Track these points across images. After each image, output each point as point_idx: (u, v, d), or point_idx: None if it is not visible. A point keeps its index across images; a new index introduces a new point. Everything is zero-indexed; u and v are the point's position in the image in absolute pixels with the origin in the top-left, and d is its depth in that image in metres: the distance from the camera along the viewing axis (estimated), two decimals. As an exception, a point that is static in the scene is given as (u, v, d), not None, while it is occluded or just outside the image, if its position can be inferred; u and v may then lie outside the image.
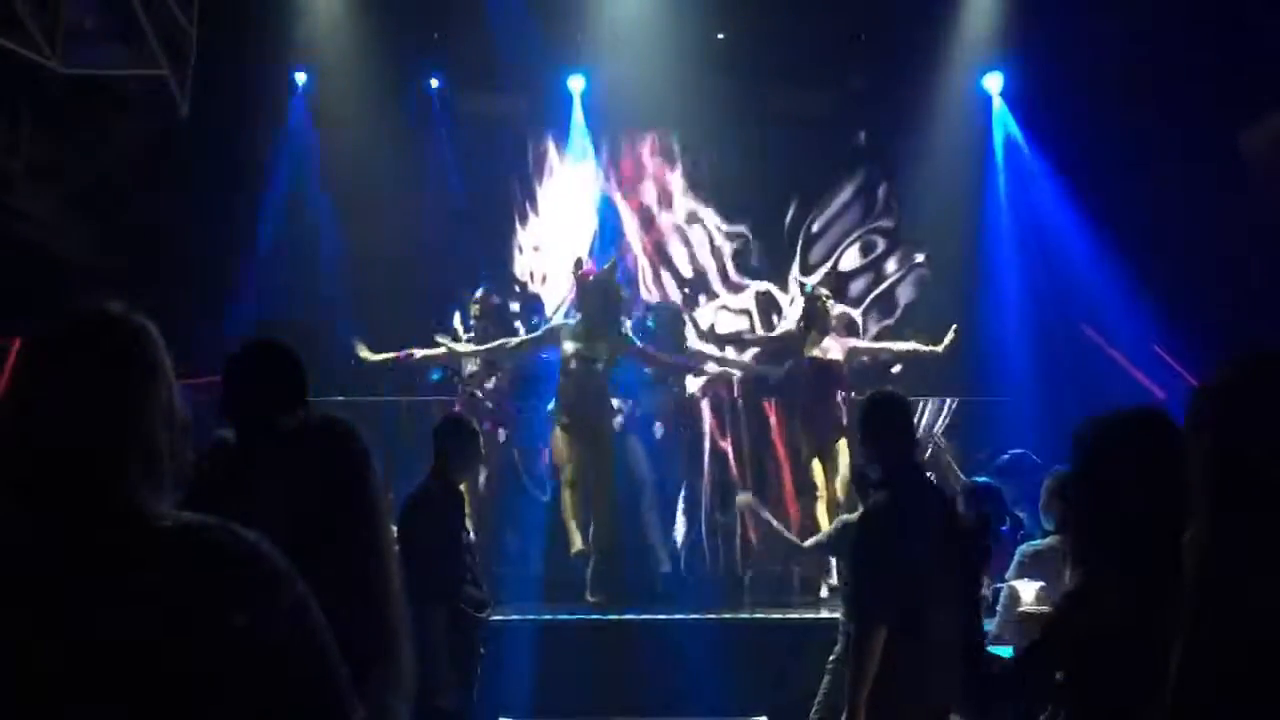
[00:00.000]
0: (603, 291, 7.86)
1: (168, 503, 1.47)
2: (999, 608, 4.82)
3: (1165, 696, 1.68)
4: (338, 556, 1.59)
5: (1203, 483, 1.71)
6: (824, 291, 8.42)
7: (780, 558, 7.89)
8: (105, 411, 1.44)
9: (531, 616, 7.31)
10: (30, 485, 1.42)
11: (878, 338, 9.73)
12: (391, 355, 8.25)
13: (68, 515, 1.41)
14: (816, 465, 7.85)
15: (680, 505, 8.62)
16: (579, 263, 8.20)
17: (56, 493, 1.41)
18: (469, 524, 5.28)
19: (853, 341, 8.54)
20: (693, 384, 8.94)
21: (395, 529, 4.79)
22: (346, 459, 2.09)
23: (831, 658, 4.14)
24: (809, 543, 5.39)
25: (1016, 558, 4.78)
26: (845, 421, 7.83)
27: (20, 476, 1.43)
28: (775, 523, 6.20)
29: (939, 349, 8.11)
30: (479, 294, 8.64)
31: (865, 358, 8.53)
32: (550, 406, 8.05)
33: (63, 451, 1.42)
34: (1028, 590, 4.98)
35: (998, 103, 10.10)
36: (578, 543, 7.68)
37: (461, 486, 5.18)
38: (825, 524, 7.16)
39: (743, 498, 7.35)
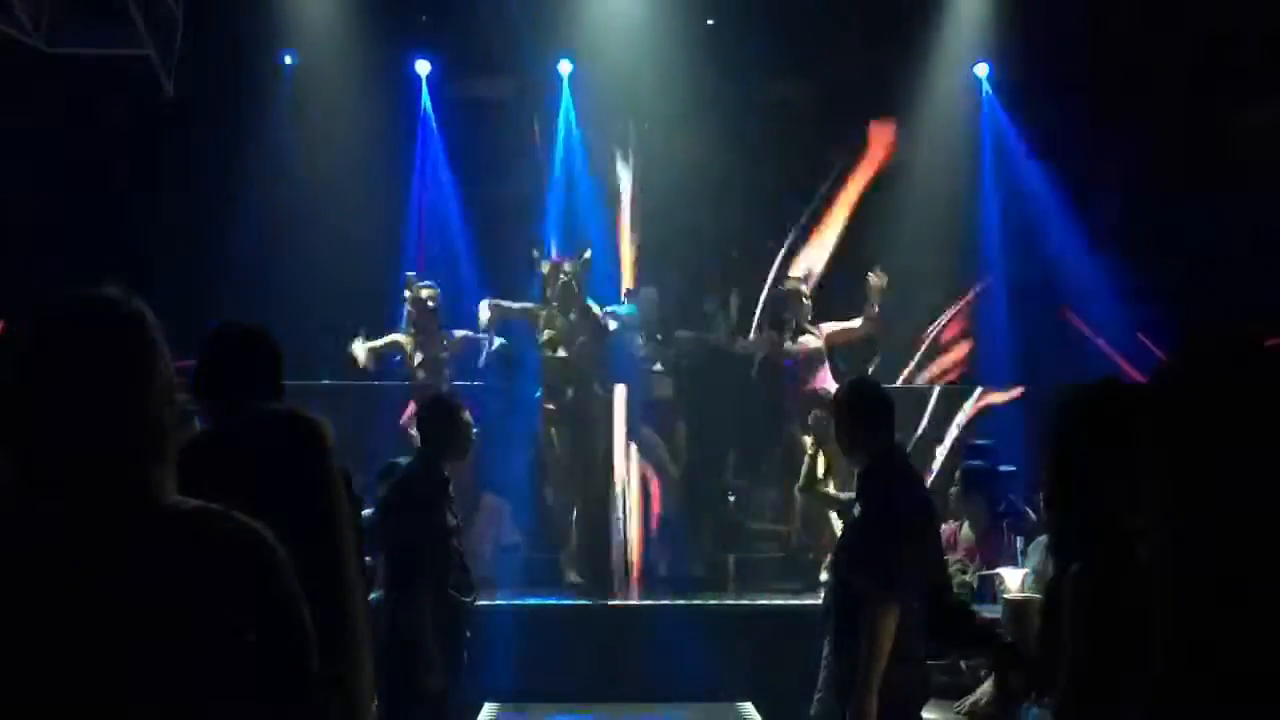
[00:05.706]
0: (573, 282, 7.86)
1: (172, 480, 1.51)
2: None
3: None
4: (297, 556, 1.59)
5: (1155, 467, 1.72)
6: (801, 287, 8.32)
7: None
8: (114, 394, 1.48)
9: (516, 601, 7.32)
10: (47, 472, 1.46)
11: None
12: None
13: (87, 500, 1.45)
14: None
15: (664, 491, 8.57)
16: (541, 254, 8.23)
17: (74, 478, 1.45)
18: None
19: (828, 327, 8.36)
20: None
21: (381, 514, 4.80)
22: (307, 457, 2.07)
23: (827, 650, 4.06)
24: None
25: (1019, 546, 4.77)
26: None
27: (36, 464, 1.46)
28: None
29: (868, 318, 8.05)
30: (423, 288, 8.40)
31: (841, 340, 8.38)
32: (537, 394, 8.05)
33: (76, 437, 1.46)
34: (1013, 577, 5.03)
35: (987, 90, 10.09)
36: (571, 575, 7.80)
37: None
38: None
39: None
